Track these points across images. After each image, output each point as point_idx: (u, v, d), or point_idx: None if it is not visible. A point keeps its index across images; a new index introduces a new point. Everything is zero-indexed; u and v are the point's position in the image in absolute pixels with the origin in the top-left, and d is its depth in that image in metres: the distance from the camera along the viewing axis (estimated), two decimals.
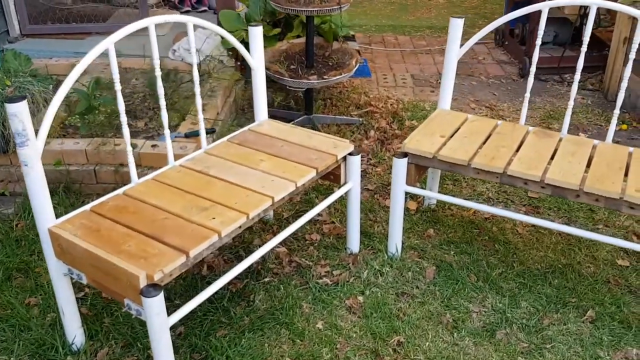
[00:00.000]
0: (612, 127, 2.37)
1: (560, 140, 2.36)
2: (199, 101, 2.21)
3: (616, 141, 3.66)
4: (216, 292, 2.00)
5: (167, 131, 2.11)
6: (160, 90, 2.05)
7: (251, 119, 3.81)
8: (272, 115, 3.93)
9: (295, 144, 2.30)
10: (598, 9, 4.51)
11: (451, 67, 2.57)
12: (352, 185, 2.36)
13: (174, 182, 2.02)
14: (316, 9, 3.11)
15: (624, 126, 3.87)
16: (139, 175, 2.06)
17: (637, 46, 2.22)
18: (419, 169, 2.37)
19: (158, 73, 2.02)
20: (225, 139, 2.35)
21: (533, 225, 2.73)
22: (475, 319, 2.17)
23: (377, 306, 2.20)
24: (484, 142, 2.32)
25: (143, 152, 2.83)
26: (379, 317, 2.15)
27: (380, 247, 2.52)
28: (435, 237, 2.63)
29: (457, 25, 2.49)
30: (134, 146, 2.86)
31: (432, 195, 2.35)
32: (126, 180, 2.69)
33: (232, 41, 2.29)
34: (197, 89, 2.17)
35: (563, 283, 2.36)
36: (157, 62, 2.02)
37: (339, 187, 2.36)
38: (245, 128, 2.44)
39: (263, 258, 2.44)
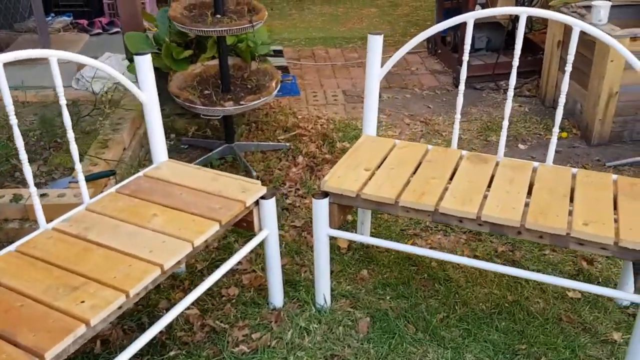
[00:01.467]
0: (552, 148, 2.14)
1: (497, 164, 2.11)
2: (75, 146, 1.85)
3: (557, 151, 3.48)
4: None
5: (33, 189, 1.74)
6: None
7: (169, 151, 3.47)
8: (190, 145, 3.60)
9: (198, 190, 1.97)
10: None
11: (373, 89, 2.30)
12: (269, 233, 2.05)
13: (42, 253, 1.65)
14: (225, 28, 2.78)
15: (564, 134, 3.71)
16: (27, 232, 1.69)
17: (572, 58, 2.00)
18: (343, 208, 2.07)
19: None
20: (113, 189, 1.99)
21: (475, 256, 2.48)
22: None
23: None
24: (414, 173, 2.05)
25: (29, 203, 2.44)
26: None
27: (308, 298, 2.21)
28: (370, 280, 2.34)
29: (376, 43, 2.22)
30: (18, 198, 2.46)
31: (358, 238, 2.06)
32: (13, 237, 2.29)
33: (114, 74, 1.94)
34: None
35: (511, 326, 2.10)
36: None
37: (254, 236, 2.04)
38: (140, 173, 2.09)
39: (170, 325, 2.09)
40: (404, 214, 1.91)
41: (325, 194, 1.99)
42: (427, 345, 2.01)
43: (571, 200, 1.89)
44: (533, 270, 2.35)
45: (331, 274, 2.35)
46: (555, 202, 1.85)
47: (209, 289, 2.25)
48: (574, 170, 2.07)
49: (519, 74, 2.16)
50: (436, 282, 2.32)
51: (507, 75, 4.59)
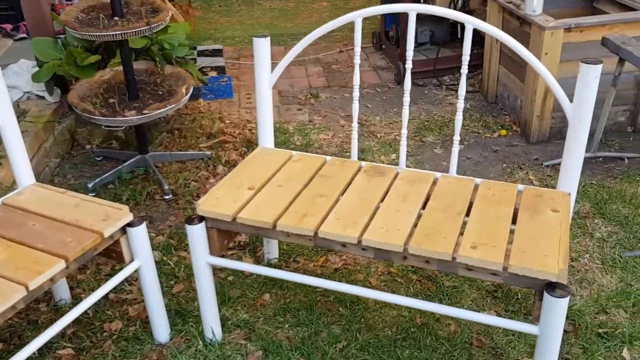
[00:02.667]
0: (454, 158, 1.95)
1: (395, 177, 1.92)
2: None
3: (495, 150, 3.31)
4: None
5: None
6: None
7: (82, 164, 3.24)
8: (104, 157, 3.35)
9: (55, 219, 1.75)
10: None
11: (264, 97, 2.09)
12: (141, 264, 1.84)
13: None
14: (118, 32, 2.56)
15: (503, 132, 3.53)
16: None
17: (468, 58, 1.81)
18: (226, 233, 1.87)
19: None
20: None
21: (389, 272, 2.29)
22: None
23: None
24: (301, 191, 1.85)
25: None
26: None
27: (196, 331, 2.01)
28: (270, 305, 2.14)
29: (261, 46, 2.01)
30: None
31: (243, 267, 1.85)
32: None
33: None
34: None
35: (415, 354, 1.92)
36: None
37: (124, 267, 1.83)
38: None
39: None
40: (285, 239, 1.72)
41: (201, 219, 1.78)
42: None
43: (468, 216, 1.70)
44: (449, 287, 2.18)
45: (228, 300, 2.15)
46: (447, 221, 1.66)
47: (91, 323, 2.05)
48: (478, 181, 1.89)
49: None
50: (342, 306, 2.12)
51: (450, 70, 4.43)
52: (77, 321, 2.07)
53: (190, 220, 1.77)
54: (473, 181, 1.89)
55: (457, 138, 1.92)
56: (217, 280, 2.25)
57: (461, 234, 1.61)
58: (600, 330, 1.98)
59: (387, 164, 3.13)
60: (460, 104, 1.88)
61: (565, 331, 1.97)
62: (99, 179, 2.91)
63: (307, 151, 3.30)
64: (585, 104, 1.68)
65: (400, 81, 4.23)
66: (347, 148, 3.37)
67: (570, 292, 1.58)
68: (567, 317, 1.97)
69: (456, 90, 4.02)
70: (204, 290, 1.89)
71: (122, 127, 2.76)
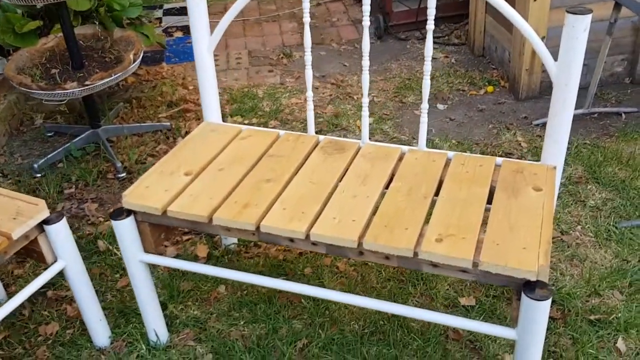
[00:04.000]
0: (423, 127, 1.69)
1: (356, 153, 1.67)
2: None
3: (480, 110, 3.05)
4: None
5: None
6: None
7: (32, 141, 2.95)
8: (55, 132, 3.05)
9: None
10: None
11: (205, 63, 1.81)
12: (66, 264, 1.60)
13: None
14: None
15: (490, 88, 3.25)
16: None
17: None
18: (162, 227, 1.62)
19: None
20: None
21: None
22: None
23: None
24: (245, 176, 1.60)
25: None
26: None
27: (139, 334, 1.79)
28: (226, 299, 1.92)
29: (197, 6, 1.72)
30: None
31: (180, 266, 1.61)
32: None
33: None
34: None
35: (384, 351, 1.71)
36: None
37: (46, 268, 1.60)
38: None
39: None
40: (226, 233, 1.48)
41: (129, 212, 1.54)
42: None
43: (433, 206, 1.46)
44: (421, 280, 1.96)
45: (178, 295, 1.93)
46: (411, 207, 1.42)
47: (25, 326, 1.83)
48: (450, 154, 1.64)
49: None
50: (305, 297, 1.90)
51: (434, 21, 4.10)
52: (9, 325, 1.85)
53: (116, 215, 1.53)
54: (445, 155, 1.63)
55: (425, 106, 1.66)
56: (166, 273, 2.03)
57: (427, 222, 1.37)
58: (592, 317, 1.76)
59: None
60: (427, 66, 1.60)
61: (552, 318, 1.76)
62: (45, 159, 2.65)
63: (276, 118, 3.04)
64: (573, 62, 1.42)
65: (380, 35, 3.91)
66: (321, 113, 3.10)
67: (553, 292, 1.35)
68: (554, 302, 1.76)
69: (441, 44, 3.72)
70: (141, 291, 1.67)
71: (63, 100, 2.49)
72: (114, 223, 1.53)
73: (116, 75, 2.50)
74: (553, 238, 2.10)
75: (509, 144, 2.73)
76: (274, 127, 2.95)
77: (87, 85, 2.45)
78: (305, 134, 1.79)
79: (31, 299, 1.95)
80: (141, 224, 1.57)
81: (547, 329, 1.71)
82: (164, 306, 1.89)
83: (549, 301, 1.22)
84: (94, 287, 1.72)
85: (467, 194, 1.46)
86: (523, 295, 1.23)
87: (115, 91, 3.34)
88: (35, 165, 2.63)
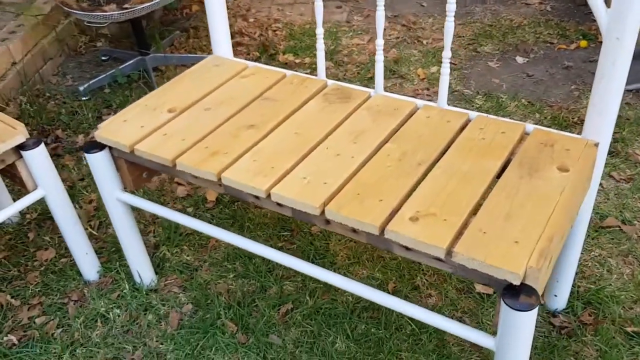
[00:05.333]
0: (444, 85, 1.41)
1: (361, 104, 1.44)
2: None
3: (567, 67, 2.63)
4: None
5: None
6: None
7: (87, 64, 2.93)
8: (110, 57, 3.01)
9: None
10: None
11: None
12: (46, 194, 1.54)
13: None
14: None
15: (583, 42, 2.80)
16: None
17: None
18: (143, 166, 1.51)
19: None
20: None
21: None
22: None
23: None
24: (229, 119, 1.43)
25: None
26: None
27: (125, 272, 1.73)
28: (223, 248, 1.81)
29: None
30: None
31: (156, 211, 1.49)
32: None
33: None
34: None
35: (372, 330, 1.52)
36: None
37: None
38: None
39: None
40: (194, 181, 1.33)
41: (102, 147, 1.43)
42: (242, 353, 1.48)
43: (426, 176, 1.21)
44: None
45: (175, 238, 1.84)
46: (395, 175, 1.19)
47: (26, 250, 1.83)
48: (472, 115, 1.36)
49: None
50: (305, 256, 1.74)
51: None
52: (12, 246, 1.86)
53: (88, 147, 1.43)
54: (465, 116, 1.36)
55: (447, 54, 1.38)
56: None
57: (410, 195, 1.14)
58: (630, 329, 1.45)
59: (423, 79, 2.58)
60: (452, 6, 1.31)
61: (582, 323, 1.48)
62: (91, 82, 2.63)
63: (331, 59, 2.81)
64: (629, 9, 1.08)
65: None
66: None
67: (540, 302, 1.08)
68: (589, 304, 1.47)
69: None
70: (121, 231, 1.58)
71: (104, 23, 2.42)
72: (87, 156, 1.43)
73: (157, 1, 2.38)
74: (609, 227, 1.76)
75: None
76: (327, 68, 2.73)
77: (126, 8, 2.35)
78: (313, 77, 1.57)
79: (39, 224, 1.94)
80: (118, 160, 1.46)
81: (573, 335, 1.44)
82: (156, 247, 1.81)
83: (534, 312, 0.97)
84: (99, 220, 1.66)
85: (472, 167, 1.19)
86: (501, 301, 0.98)
87: (176, 19, 3.26)
88: (81, 88, 2.62)
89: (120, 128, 1.41)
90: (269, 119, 1.41)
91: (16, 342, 1.56)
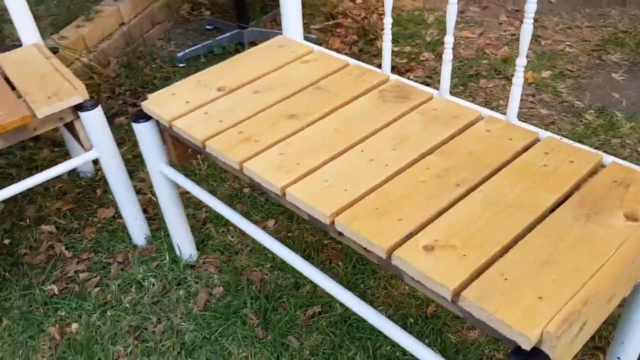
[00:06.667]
0: (516, 95, 1.23)
1: (418, 106, 1.29)
2: None
3: None
4: None
5: None
6: None
7: (192, 31, 2.98)
8: (215, 27, 3.02)
9: (12, 86, 1.55)
10: None
11: None
12: (100, 155, 1.57)
13: None
14: None
15: None
16: None
17: None
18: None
19: None
20: None
21: None
22: None
23: (82, 348, 1.47)
24: (274, 105, 1.35)
25: None
26: None
27: (168, 244, 1.73)
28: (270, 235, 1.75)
29: None
30: None
31: (186, 185, 1.46)
32: None
33: None
34: None
35: (396, 354, 1.39)
36: None
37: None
38: None
39: (19, 241, 1.81)
40: (222, 165, 1.27)
41: (147, 117, 1.42)
42: (257, 349, 1.42)
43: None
44: None
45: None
46: (427, 194, 1.04)
47: (89, 205, 1.90)
48: (543, 135, 1.17)
49: None
50: (346, 260, 1.64)
51: None
52: (78, 200, 1.94)
53: (136, 117, 1.42)
54: (533, 135, 1.17)
55: (522, 62, 1.19)
56: (231, 191, 1.92)
57: (435, 219, 0.99)
58: None
59: (530, 83, 2.34)
60: (532, 6, 1.13)
61: None
62: (188, 50, 2.68)
63: (433, 50, 2.63)
64: None
65: None
66: (489, 54, 2.60)
67: None
68: None
69: None
70: (163, 203, 1.58)
71: None
72: (134, 126, 1.43)
73: None
74: None
75: None
76: (425, 60, 2.56)
77: None
78: (377, 70, 1.44)
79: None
80: (164, 132, 1.44)
81: None
82: (205, 223, 1.80)
83: None
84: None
85: (520, 196, 1.02)
86: None
87: None
88: (179, 55, 2.68)
89: (167, 101, 1.39)
90: (313, 110, 1.31)
91: (57, 293, 1.62)
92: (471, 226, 0.97)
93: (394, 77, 1.41)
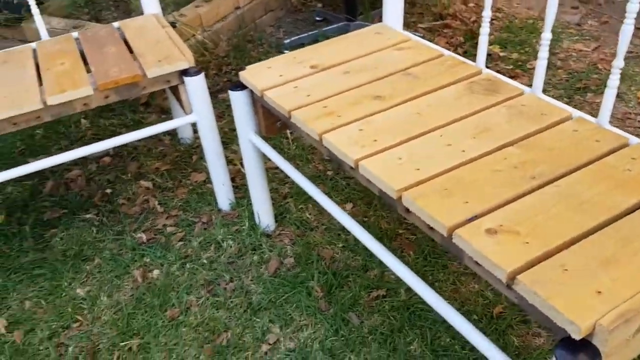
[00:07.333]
0: (609, 100, 1.18)
1: (505, 100, 1.28)
2: None
3: None
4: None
5: None
6: None
7: (302, 22, 3.07)
8: (324, 19, 3.10)
9: (129, 48, 1.70)
10: None
11: None
12: (197, 119, 1.69)
13: None
14: None
15: None
16: None
17: None
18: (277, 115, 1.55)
19: None
20: (63, 36, 1.84)
21: None
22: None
23: (160, 292, 1.59)
24: (361, 86, 1.39)
25: None
26: (145, 311, 1.55)
27: (248, 212, 1.82)
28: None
29: None
30: None
31: (271, 156, 1.52)
32: None
33: None
34: None
35: (455, 347, 1.38)
36: None
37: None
38: (116, 23, 1.90)
39: (119, 192, 1.98)
40: (307, 138, 1.33)
41: (243, 87, 1.51)
42: (318, 319, 1.47)
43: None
44: None
45: (305, 192, 1.88)
46: (499, 182, 1.04)
47: (184, 168, 2.04)
48: (634, 140, 1.13)
49: None
50: (423, 250, 1.64)
51: None
52: (176, 162, 2.08)
53: (234, 86, 1.51)
54: (622, 140, 1.13)
55: (619, 64, 1.14)
56: (315, 172, 1.98)
57: (503, 206, 0.99)
58: None
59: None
60: (634, 6, 1.08)
61: None
62: (294, 38, 2.78)
63: (534, 59, 2.55)
64: None
65: None
66: (601, 69, 2.49)
67: None
68: None
69: None
70: (249, 171, 1.66)
71: None
72: (230, 94, 1.52)
73: None
74: None
75: None
76: (532, 68, 2.49)
77: None
78: (471, 62, 1.44)
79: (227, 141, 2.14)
80: (256, 103, 1.52)
81: None
82: (285, 198, 1.87)
83: None
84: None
85: (596, 196, 0.99)
86: (557, 352, 0.81)
87: None
88: (285, 42, 2.79)
89: (262, 73, 1.47)
90: (398, 93, 1.33)
91: (145, 241, 1.76)
92: (539, 217, 0.95)
93: (487, 71, 1.40)
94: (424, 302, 1.48)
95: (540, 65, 1.30)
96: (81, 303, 1.58)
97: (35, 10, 1.82)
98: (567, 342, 0.80)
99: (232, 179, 1.93)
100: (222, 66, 2.64)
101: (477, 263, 0.94)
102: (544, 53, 1.29)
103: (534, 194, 1.01)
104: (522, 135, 1.17)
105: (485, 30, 1.40)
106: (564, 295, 0.81)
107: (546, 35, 1.27)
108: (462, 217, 0.97)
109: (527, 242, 0.91)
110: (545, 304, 0.81)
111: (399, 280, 1.56)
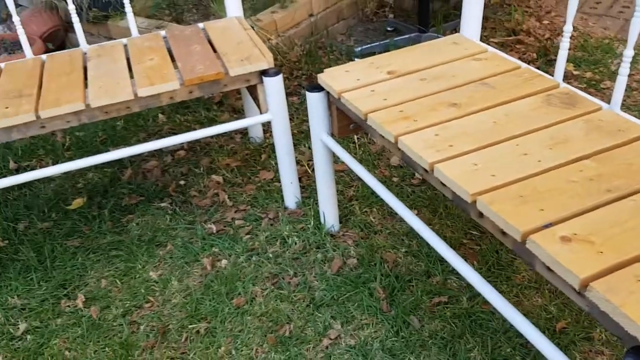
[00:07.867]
0: (620, 89, 1.16)
1: (581, 115, 1.28)
2: None
3: None
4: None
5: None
6: None
7: (373, 31, 3.12)
8: (395, 29, 3.13)
9: (213, 47, 1.79)
10: None
11: None
12: (272, 119, 1.76)
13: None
14: None
15: None
16: None
17: None
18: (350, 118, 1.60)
19: None
20: (152, 34, 1.96)
21: None
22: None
23: (227, 281, 1.66)
24: (437, 93, 1.42)
25: None
26: (213, 297, 1.62)
27: (312, 211, 1.87)
28: (406, 222, 1.81)
29: None
30: None
31: (343, 157, 1.57)
32: None
33: None
34: None
35: (516, 358, 1.38)
36: None
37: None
38: (200, 24, 2.00)
39: (191, 184, 2.08)
40: (378, 139, 1.37)
41: (320, 88, 1.56)
42: (379, 320, 1.50)
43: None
44: None
45: (374, 198, 1.92)
46: (574, 193, 1.05)
47: (254, 165, 2.12)
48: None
49: None
50: (487, 262, 1.65)
51: None
52: (246, 160, 2.16)
53: (311, 87, 1.57)
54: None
55: (629, 52, 1.13)
56: (381, 178, 2.02)
57: (578, 215, 1.00)
58: None
59: None
60: None
61: None
62: (365, 46, 2.84)
63: (608, 79, 2.51)
64: None
65: None
66: None
67: None
68: None
69: None
70: (319, 171, 1.71)
71: None
72: (307, 94, 1.58)
73: None
74: None
75: None
76: (606, 88, 2.45)
77: None
78: (548, 76, 1.45)
79: (274, 149, 2.21)
80: (332, 105, 1.57)
81: None
82: (350, 200, 1.91)
83: None
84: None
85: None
86: (626, 359, 0.81)
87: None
88: (356, 49, 2.84)
89: (340, 76, 1.52)
90: (475, 102, 1.36)
91: (214, 232, 1.84)
92: (615, 228, 0.96)
93: (565, 85, 1.41)
94: (485, 311, 1.49)
95: (620, 81, 1.29)
96: (153, 285, 1.67)
97: (128, 8, 1.94)
98: (637, 351, 0.81)
99: (299, 179, 1.99)
100: (293, 70, 2.71)
101: (549, 269, 0.96)
102: (624, 69, 1.28)
103: (609, 206, 1.02)
104: (599, 149, 1.17)
105: (565, 44, 1.41)
106: (636, 304, 0.82)
107: (628, 53, 1.27)
108: (537, 223, 0.98)
109: (601, 252, 0.91)
110: (618, 312, 0.82)
111: (461, 288, 1.57)
